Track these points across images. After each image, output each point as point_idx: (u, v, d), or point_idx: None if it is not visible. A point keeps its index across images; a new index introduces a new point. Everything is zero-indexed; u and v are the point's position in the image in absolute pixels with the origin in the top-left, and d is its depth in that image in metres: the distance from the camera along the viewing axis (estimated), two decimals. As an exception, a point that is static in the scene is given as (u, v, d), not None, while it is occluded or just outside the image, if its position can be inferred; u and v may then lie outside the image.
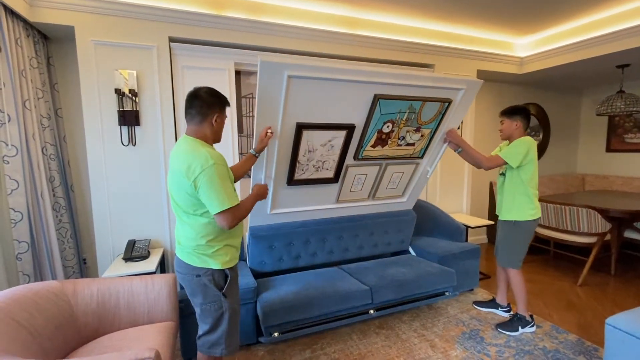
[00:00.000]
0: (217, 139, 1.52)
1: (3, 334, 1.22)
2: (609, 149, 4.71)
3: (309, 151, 2.05)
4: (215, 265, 1.43)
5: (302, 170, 2.13)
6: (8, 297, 1.36)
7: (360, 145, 2.16)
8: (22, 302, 1.39)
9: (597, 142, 4.87)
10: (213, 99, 1.44)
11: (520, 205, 2.23)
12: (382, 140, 2.19)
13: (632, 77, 4.00)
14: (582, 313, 2.58)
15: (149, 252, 2.27)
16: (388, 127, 2.13)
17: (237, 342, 1.54)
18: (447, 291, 2.54)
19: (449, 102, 2.14)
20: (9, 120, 1.93)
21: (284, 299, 2.05)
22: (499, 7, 2.77)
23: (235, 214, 1.36)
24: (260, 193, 1.63)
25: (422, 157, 2.46)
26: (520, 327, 2.25)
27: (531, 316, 2.30)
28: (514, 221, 2.26)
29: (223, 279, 1.46)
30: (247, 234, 2.36)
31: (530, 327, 2.27)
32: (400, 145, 2.28)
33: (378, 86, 1.89)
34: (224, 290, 1.44)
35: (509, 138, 2.30)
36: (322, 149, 2.08)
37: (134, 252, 2.21)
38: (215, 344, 1.47)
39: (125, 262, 2.15)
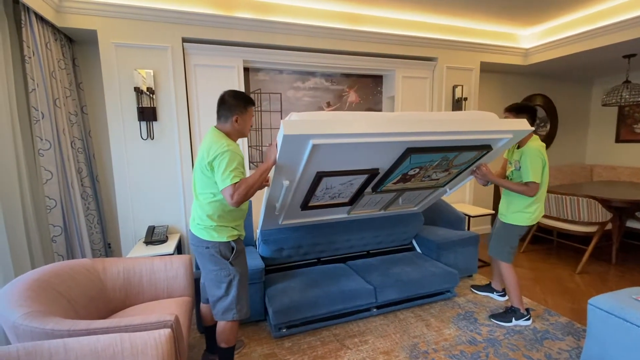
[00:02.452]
0: (242, 135, 1.73)
1: (48, 300, 1.44)
2: (618, 140, 4.68)
3: (327, 188, 1.99)
4: (221, 238, 1.63)
5: (317, 200, 2.10)
6: (49, 271, 1.59)
7: (381, 183, 2.07)
8: (61, 275, 1.61)
9: (607, 132, 4.84)
10: (234, 101, 1.64)
11: (522, 210, 2.22)
12: (406, 179, 2.10)
13: (639, 67, 3.97)
14: (577, 299, 2.68)
15: (167, 237, 2.49)
16: (415, 171, 2.00)
17: (246, 308, 1.72)
18: (448, 291, 2.64)
19: (489, 150, 1.99)
20: (43, 117, 2.15)
21: (292, 298, 2.16)
22: (501, -1, 2.82)
23: (238, 190, 1.51)
24: (265, 168, 1.62)
25: (444, 186, 2.39)
26: (513, 318, 2.27)
27: (527, 310, 2.31)
28: (512, 224, 2.28)
29: (229, 251, 1.65)
30: (258, 232, 2.48)
31: (526, 320, 2.27)
32: (424, 180, 2.19)
33: (412, 142, 1.71)
34: (230, 260, 1.64)
35: None
36: (340, 187, 2.02)
37: (153, 236, 2.43)
38: (227, 310, 1.66)
39: (146, 245, 2.38)
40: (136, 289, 1.88)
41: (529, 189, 2.14)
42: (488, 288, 2.71)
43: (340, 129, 1.51)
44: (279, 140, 1.51)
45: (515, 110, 2.21)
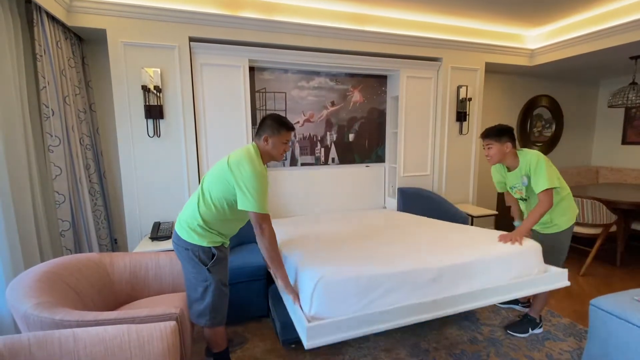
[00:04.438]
0: (272, 158, 1.70)
1: (57, 292, 1.47)
2: (624, 142, 4.64)
3: None
4: (201, 242, 1.59)
5: None
6: (59, 264, 1.63)
7: None
8: (69, 268, 1.65)
9: (613, 134, 4.80)
10: (270, 121, 1.66)
11: (564, 213, 2.11)
12: None
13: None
14: (580, 301, 2.67)
15: (172, 232, 2.53)
16: None
17: (222, 317, 1.69)
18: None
19: None
20: (53, 114, 2.20)
21: None
22: (508, -1, 2.81)
23: (268, 222, 1.56)
24: (287, 292, 1.63)
25: None
26: (530, 328, 2.23)
27: (540, 317, 2.27)
28: (567, 229, 2.14)
29: (209, 257, 1.60)
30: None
31: (539, 328, 2.25)
32: None
33: None
34: (208, 267, 1.60)
35: (502, 161, 2.12)
36: None
37: (159, 232, 2.47)
38: (201, 314, 1.64)
39: (152, 241, 2.42)
40: (142, 283, 1.91)
41: (546, 201, 1.95)
42: (513, 300, 2.56)
43: (371, 327, 1.43)
44: (302, 336, 1.41)
45: (496, 135, 2.03)
